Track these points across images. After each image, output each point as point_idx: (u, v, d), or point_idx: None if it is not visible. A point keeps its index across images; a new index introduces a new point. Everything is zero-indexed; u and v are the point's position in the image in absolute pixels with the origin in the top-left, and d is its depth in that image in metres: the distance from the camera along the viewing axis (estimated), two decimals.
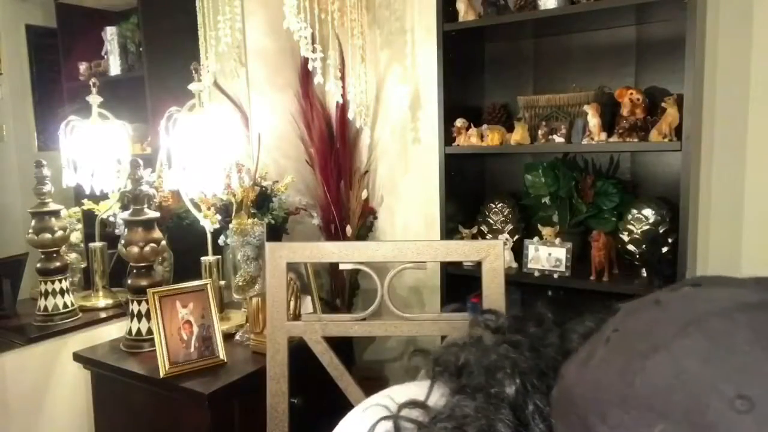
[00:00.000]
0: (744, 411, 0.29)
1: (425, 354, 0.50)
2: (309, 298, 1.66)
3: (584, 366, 0.38)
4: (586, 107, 1.71)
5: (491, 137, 1.87)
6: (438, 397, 0.45)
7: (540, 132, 1.81)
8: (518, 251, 1.92)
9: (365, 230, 2.35)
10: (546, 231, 1.86)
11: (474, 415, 0.40)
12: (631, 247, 1.75)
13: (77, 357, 1.62)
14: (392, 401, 0.46)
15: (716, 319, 0.34)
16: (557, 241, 1.82)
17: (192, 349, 1.50)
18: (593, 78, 1.89)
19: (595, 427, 0.34)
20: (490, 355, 0.44)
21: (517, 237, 1.99)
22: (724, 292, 0.36)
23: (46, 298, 1.64)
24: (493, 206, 2.03)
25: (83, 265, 1.86)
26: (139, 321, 1.60)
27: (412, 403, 0.44)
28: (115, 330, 1.76)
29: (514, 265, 1.90)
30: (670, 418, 0.31)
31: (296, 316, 1.47)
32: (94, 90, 1.72)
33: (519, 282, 1.88)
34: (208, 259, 1.78)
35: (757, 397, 0.29)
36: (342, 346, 1.48)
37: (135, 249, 1.56)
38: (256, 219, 1.75)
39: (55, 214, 1.64)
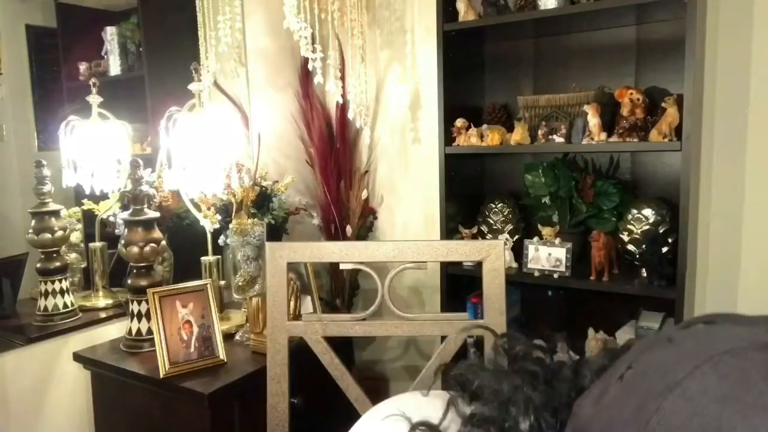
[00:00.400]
0: None
1: (449, 370, 0.50)
2: (309, 298, 1.66)
3: (598, 404, 0.38)
4: (586, 107, 1.71)
5: (491, 137, 1.87)
6: (451, 418, 0.44)
7: (540, 132, 1.81)
8: (518, 251, 1.92)
9: (365, 230, 2.35)
10: (546, 231, 1.86)
11: None
12: (631, 247, 1.75)
13: (77, 357, 1.63)
14: (407, 415, 0.46)
15: (730, 358, 0.33)
16: (557, 241, 1.82)
17: (192, 349, 1.50)
18: (593, 78, 1.89)
19: None
20: (504, 385, 0.44)
21: (517, 237, 1.99)
22: (738, 330, 0.36)
23: (46, 298, 1.64)
24: (493, 206, 2.03)
25: (83, 265, 1.86)
26: (139, 321, 1.61)
27: (426, 425, 0.44)
28: (115, 330, 1.76)
29: (514, 265, 1.90)
30: None
31: (296, 316, 1.47)
32: (94, 90, 1.72)
33: (519, 282, 1.88)
34: (208, 259, 1.78)
35: None
36: (342, 346, 1.48)
37: (135, 249, 1.56)
38: (256, 219, 1.75)
39: (55, 214, 1.64)
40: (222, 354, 1.52)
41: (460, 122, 1.91)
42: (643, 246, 1.72)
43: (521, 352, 0.48)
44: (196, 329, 1.52)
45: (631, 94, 1.66)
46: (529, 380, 0.44)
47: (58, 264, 1.65)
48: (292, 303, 1.55)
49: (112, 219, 1.80)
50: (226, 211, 1.81)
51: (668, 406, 0.33)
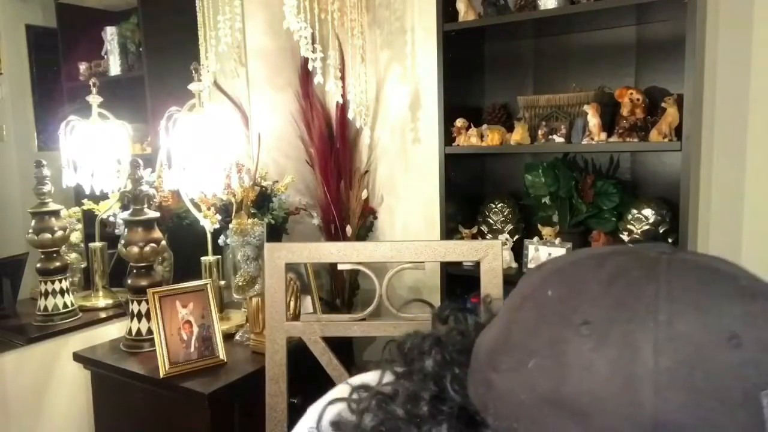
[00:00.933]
0: (587, 334, 0.36)
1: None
2: (309, 298, 1.66)
3: (484, 333, 0.45)
4: (586, 107, 1.71)
5: (491, 137, 1.86)
6: (388, 379, 0.50)
7: (540, 132, 1.81)
8: (518, 251, 1.92)
9: (365, 230, 2.35)
10: (546, 231, 1.86)
11: (405, 391, 0.46)
12: None
13: (77, 357, 1.63)
14: (349, 386, 0.51)
15: (571, 266, 0.42)
16: (557, 241, 1.82)
17: (192, 349, 1.50)
18: (593, 78, 1.89)
19: (491, 377, 0.40)
20: (426, 340, 0.50)
21: (517, 237, 1.99)
22: (584, 249, 0.45)
23: (46, 298, 1.64)
24: (493, 206, 2.03)
25: (83, 265, 1.86)
26: (139, 321, 1.61)
27: (363, 387, 0.49)
28: (115, 330, 1.76)
29: (514, 265, 1.90)
30: (539, 352, 0.38)
31: (296, 316, 1.47)
32: (94, 90, 1.72)
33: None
34: (208, 259, 1.78)
35: (595, 321, 0.36)
36: (341, 346, 1.48)
37: (135, 249, 1.56)
38: (256, 219, 1.75)
39: (55, 214, 1.64)
40: (222, 354, 1.52)
41: (460, 122, 1.91)
42: None
43: (450, 315, 0.56)
44: (196, 329, 1.52)
45: (631, 94, 1.66)
46: (445, 333, 0.51)
47: (58, 264, 1.65)
48: (292, 303, 1.55)
49: (112, 219, 1.80)
50: (226, 211, 1.81)
51: (523, 313, 0.41)
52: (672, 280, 0.37)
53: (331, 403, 0.51)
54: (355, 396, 0.48)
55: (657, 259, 0.39)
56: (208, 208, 1.76)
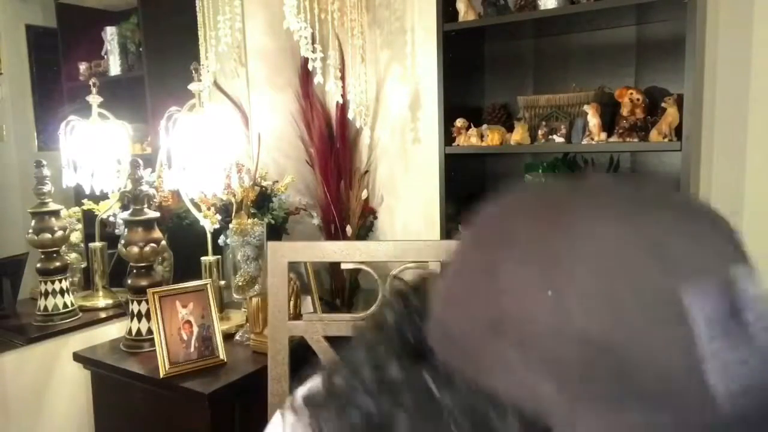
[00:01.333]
0: (516, 256, 0.36)
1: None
2: (309, 297, 1.66)
3: (441, 276, 0.45)
4: (586, 107, 1.71)
5: (491, 137, 1.86)
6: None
7: (540, 132, 1.81)
8: None
9: (365, 230, 2.35)
10: None
11: (368, 342, 0.46)
12: None
13: (77, 357, 1.62)
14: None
15: (519, 197, 0.42)
16: None
17: (192, 349, 1.50)
18: (593, 78, 1.89)
19: (441, 316, 0.41)
20: (392, 297, 0.50)
21: None
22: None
23: (46, 298, 1.64)
24: None
25: (83, 265, 1.86)
26: (139, 321, 1.60)
27: (336, 363, 0.49)
28: (115, 330, 1.76)
29: None
30: (477, 281, 0.38)
31: (297, 316, 1.47)
32: (94, 90, 1.72)
33: None
34: (208, 259, 1.78)
35: (524, 241, 0.36)
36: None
37: (135, 249, 1.56)
38: (256, 219, 1.75)
39: (55, 214, 1.64)
40: (222, 354, 1.52)
41: (460, 122, 1.91)
42: None
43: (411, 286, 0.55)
44: (196, 329, 1.52)
45: (631, 94, 1.66)
46: (412, 290, 0.50)
47: (58, 264, 1.65)
48: (292, 303, 1.54)
49: (112, 219, 1.80)
50: (226, 211, 1.81)
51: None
52: (600, 193, 0.36)
53: (304, 384, 0.52)
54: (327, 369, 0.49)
55: (589, 176, 0.39)
56: (208, 208, 1.76)
